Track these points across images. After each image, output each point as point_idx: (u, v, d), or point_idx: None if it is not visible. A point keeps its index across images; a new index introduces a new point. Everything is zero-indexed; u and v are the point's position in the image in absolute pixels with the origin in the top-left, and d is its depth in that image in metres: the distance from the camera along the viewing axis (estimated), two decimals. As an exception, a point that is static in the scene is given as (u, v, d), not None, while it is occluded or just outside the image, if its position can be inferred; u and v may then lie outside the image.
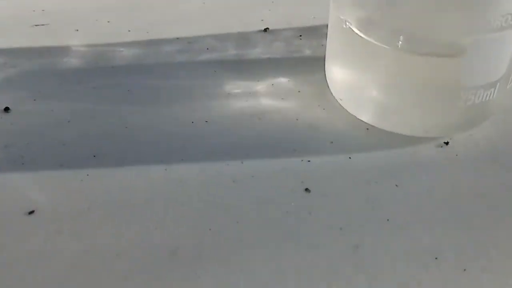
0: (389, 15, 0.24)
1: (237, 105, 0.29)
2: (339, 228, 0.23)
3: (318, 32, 0.36)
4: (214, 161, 0.26)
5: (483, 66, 0.23)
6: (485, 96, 0.24)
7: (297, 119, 0.28)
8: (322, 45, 0.34)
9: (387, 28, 0.24)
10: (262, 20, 0.37)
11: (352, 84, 0.27)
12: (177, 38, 0.36)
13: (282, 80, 0.31)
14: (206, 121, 0.28)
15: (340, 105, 0.28)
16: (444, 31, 0.23)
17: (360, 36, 0.24)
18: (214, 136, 0.27)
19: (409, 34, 0.23)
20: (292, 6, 0.39)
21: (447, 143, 0.26)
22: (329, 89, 0.29)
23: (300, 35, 0.36)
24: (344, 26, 0.25)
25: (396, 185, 0.24)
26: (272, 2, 0.40)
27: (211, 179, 0.25)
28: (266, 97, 0.30)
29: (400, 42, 0.23)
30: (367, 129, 0.27)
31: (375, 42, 0.24)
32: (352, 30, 0.25)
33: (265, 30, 0.36)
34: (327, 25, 0.36)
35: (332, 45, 0.28)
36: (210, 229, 0.23)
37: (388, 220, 0.23)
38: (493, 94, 0.25)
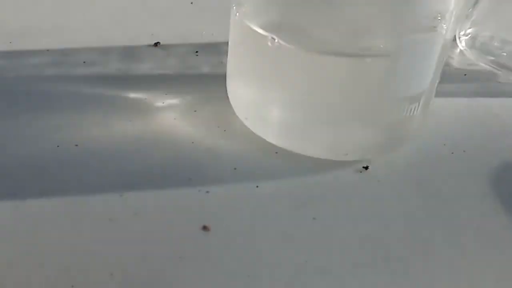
0: (298, 11, 0.20)
1: (117, 126, 0.24)
2: (247, 275, 0.18)
3: (217, 49, 0.32)
4: (85, 195, 0.20)
5: (408, 73, 0.20)
6: (409, 111, 0.21)
7: (192, 142, 0.23)
8: (222, 62, 0.30)
9: (295, 26, 0.20)
10: (152, 34, 0.32)
11: (257, 99, 0.23)
12: (47, 50, 0.29)
13: (175, 98, 0.26)
14: (76, 145, 0.22)
15: (244, 126, 0.24)
16: (363, 30, 0.19)
17: (265, 38, 0.20)
18: (85, 164, 0.21)
19: (321, 33, 0.19)
20: (187, 22, 0.35)
21: (366, 168, 0.23)
22: (231, 108, 0.25)
23: (197, 51, 0.31)
24: (247, 30, 0.21)
25: (314, 218, 0.20)
26: (164, 16, 0.35)
27: (80, 216, 0.19)
28: (154, 116, 0.25)
29: (310, 43, 0.20)
30: (276, 152, 0.23)
31: (284, 44, 0.20)
32: (256, 32, 0.21)
33: (156, 44, 0.31)
34: (227, 42, 0.32)
35: (234, 55, 0.24)
36: (72, 286, 0.16)
37: (306, 262, 0.18)
38: (417, 109, 0.22)
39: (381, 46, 0.19)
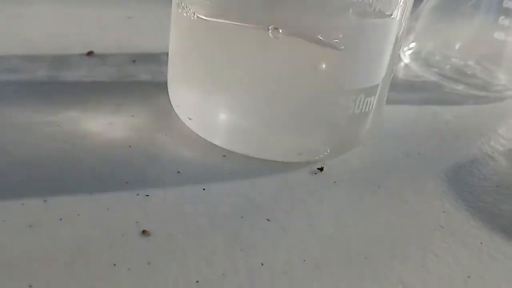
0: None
1: (44, 130, 0.21)
2: (195, 281, 0.15)
3: (156, 58, 0.30)
4: (3, 200, 0.17)
5: (364, 63, 0.19)
6: (365, 105, 0.20)
7: (130, 146, 0.21)
8: (162, 71, 0.28)
9: (242, 11, 0.19)
10: (85, 44, 0.30)
11: (202, 99, 0.21)
12: (-34, 57, 0.26)
13: (110, 105, 0.24)
14: (-6, 149, 0.19)
15: (188, 130, 0.22)
16: (316, 8, 0.18)
17: (206, 21, 0.19)
18: (4, 167, 0.18)
19: (272, 20, 0.18)
20: (123, 32, 0.33)
21: (321, 169, 0.21)
22: (173, 114, 0.23)
23: (134, 60, 0.29)
24: (187, 14, 0.19)
25: (268, 220, 0.18)
26: (99, 26, 0.33)
27: (-7, 225, 0.16)
28: (86, 121, 0.22)
29: (260, 29, 0.18)
30: (224, 156, 0.21)
31: (227, 25, 0.18)
32: (198, 18, 0.19)
33: (89, 53, 0.29)
34: (166, 53, 0.30)
35: (176, 53, 0.22)
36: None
37: (262, 264, 0.16)
38: (373, 103, 0.20)
39: (335, 34, 0.18)
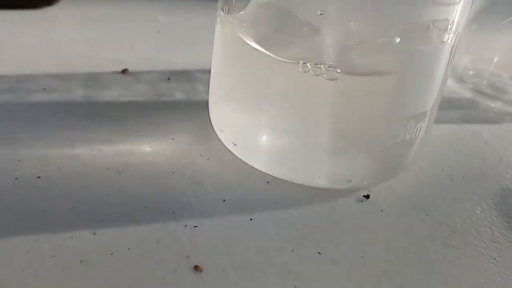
0: (296, 28, 0.18)
1: (85, 156, 0.21)
2: (253, 322, 0.15)
3: (190, 76, 0.29)
4: (52, 233, 0.17)
5: (417, 87, 0.18)
6: (415, 131, 0.19)
7: (173, 173, 0.20)
8: (196, 89, 0.28)
9: (292, 44, 0.18)
10: (118, 62, 0.30)
11: (246, 122, 0.20)
12: (1, 77, 0.26)
13: (149, 126, 0.23)
14: (39, 177, 0.19)
15: (229, 154, 0.21)
16: (374, 39, 0.18)
17: (260, 52, 0.18)
18: (49, 198, 0.18)
19: (322, 50, 0.18)
20: (156, 49, 0.32)
21: (367, 197, 0.21)
22: (212, 136, 0.22)
23: (169, 78, 0.29)
24: (239, 45, 0.19)
25: (319, 253, 0.18)
26: (131, 44, 0.33)
27: (46, 259, 0.16)
28: (127, 145, 0.22)
29: (313, 54, 0.18)
30: (268, 182, 0.21)
31: (277, 58, 0.18)
32: (250, 47, 0.19)
33: (124, 71, 0.29)
34: (200, 70, 0.30)
35: (220, 78, 0.21)
36: None
37: (318, 302, 0.16)
38: (423, 129, 0.20)
39: (387, 61, 0.18)
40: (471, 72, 0.33)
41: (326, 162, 0.20)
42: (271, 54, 0.18)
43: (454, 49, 0.20)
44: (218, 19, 0.21)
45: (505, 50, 0.32)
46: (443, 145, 0.26)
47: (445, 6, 0.18)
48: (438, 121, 0.28)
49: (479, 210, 0.21)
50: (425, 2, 0.17)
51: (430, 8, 0.18)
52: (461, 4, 0.18)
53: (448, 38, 0.19)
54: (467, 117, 0.30)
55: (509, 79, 0.32)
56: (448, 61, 0.20)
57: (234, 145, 0.21)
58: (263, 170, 0.20)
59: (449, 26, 0.19)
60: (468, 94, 0.32)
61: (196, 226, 0.18)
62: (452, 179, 0.23)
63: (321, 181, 0.20)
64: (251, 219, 0.19)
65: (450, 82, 0.33)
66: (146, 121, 0.24)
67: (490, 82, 0.32)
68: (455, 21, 0.19)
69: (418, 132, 0.20)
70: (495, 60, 0.33)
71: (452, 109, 0.31)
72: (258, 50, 0.18)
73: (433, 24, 0.18)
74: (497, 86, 0.32)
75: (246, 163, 0.21)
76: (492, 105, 0.31)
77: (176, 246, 0.17)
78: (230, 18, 0.20)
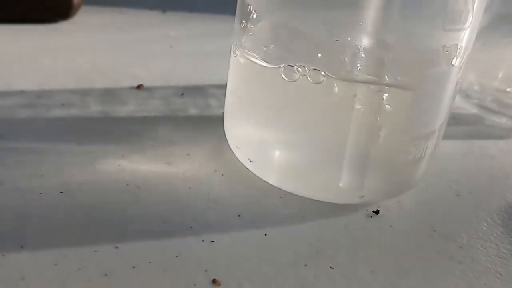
0: (307, 45, 0.19)
1: (104, 171, 0.22)
2: (270, 334, 0.15)
3: (203, 91, 0.30)
4: (74, 247, 0.17)
5: (429, 106, 0.19)
6: (425, 149, 0.20)
7: (189, 188, 0.21)
8: (210, 105, 0.29)
9: (306, 59, 0.19)
10: (133, 77, 0.31)
11: (262, 139, 0.21)
12: (22, 91, 0.27)
13: (165, 142, 0.24)
14: (61, 192, 0.20)
15: (243, 169, 0.22)
16: (386, 60, 0.18)
17: (273, 70, 0.19)
18: (73, 213, 0.19)
19: (336, 66, 0.18)
20: (169, 64, 0.33)
21: (377, 212, 0.21)
22: (227, 151, 0.23)
23: (182, 94, 0.29)
24: (253, 66, 0.20)
25: (331, 267, 0.18)
26: (145, 58, 0.34)
27: (72, 272, 0.16)
28: (144, 161, 0.23)
29: (322, 76, 0.18)
30: (281, 197, 0.21)
31: (290, 80, 0.19)
32: (263, 66, 0.19)
33: (139, 87, 0.29)
34: (212, 85, 0.31)
35: (235, 95, 0.22)
36: None
37: (332, 316, 0.16)
38: (432, 147, 0.21)
39: (399, 78, 0.18)
40: (476, 88, 0.34)
41: (339, 178, 0.20)
42: (283, 75, 0.19)
43: (461, 70, 0.20)
44: (233, 42, 0.22)
45: (509, 66, 0.33)
46: (450, 161, 0.27)
47: (454, 32, 0.19)
48: (444, 137, 0.29)
49: (485, 226, 0.22)
50: (435, 27, 0.18)
51: (440, 34, 0.18)
52: (468, 29, 0.19)
53: (456, 62, 0.20)
54: (473, 132, 0.30)
55: (513, 94, 0.33)
56: (456, 83, 0.20)
57: (250, 161, 0.21)
58: (278, 186, 0.21)
59: (458, 51, 0.19)
60: (473, 110, 0.33)
61: (213, 241, 0.19)
62: (458, 195, 0.24)
63: (334, 197, 0.21)
64: (265, 234, 0.19)
65: (455, 98, 0.34)
66: (161, 136, 0.25)
67: (495, 97, 0.33)
68: (463, 45, 0.19)
69: (427, 149, 0.21)
70: (499, 76, 0.33)
71: (458, 124, 0.31)
72: (270, 69, 0.19)
73: (443, 48, 0.19)
74: (502, 101, 0.33)
75: (260, 179, 0.22)
76: (498, 120, 0.32)
77: (194, 260, 0.18)
78: (243, 39, 0.21)
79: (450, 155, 0.27)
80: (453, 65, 0.19)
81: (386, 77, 0.19)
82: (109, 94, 0.28)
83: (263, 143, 0.21)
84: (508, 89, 0.33)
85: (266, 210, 0.21)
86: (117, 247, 0.18)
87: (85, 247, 0.18)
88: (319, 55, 0.19)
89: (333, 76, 0.18)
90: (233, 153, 0.23)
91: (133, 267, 0.17)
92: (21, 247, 0.17)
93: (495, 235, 0.21)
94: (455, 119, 0.32)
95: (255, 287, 0.17)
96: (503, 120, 0.32)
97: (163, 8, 0.44)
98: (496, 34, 0.33)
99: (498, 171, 0.26)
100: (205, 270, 0.17)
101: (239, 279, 0.17)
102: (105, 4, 0.42)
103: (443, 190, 0.24)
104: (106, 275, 0.17)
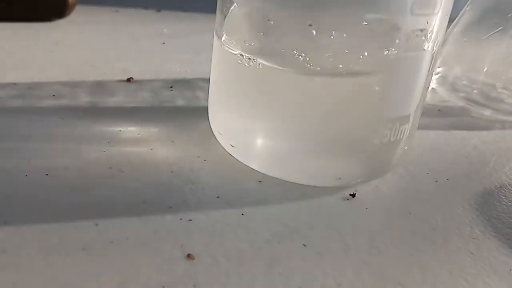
0: (282, 33, 0.20)
1: (90, 155, 0.22)
2: (239, 304, 0.16)
3: (191, 84, 0.31)
4: (58, 223, 0.18)
5: (399, 92, 0.20)
6: (400, 133, 0.21)
7: (171, 172, 0.22)
8: (197, 97, 0.29)
9: (280, 49, 0.20)
10: (123, 71, 0.31)
11: (242, 125, 0.22)
12: (14, 84, 0.28)
13: (151, 130, 0.25)
14: (47, 174, 0.21)
15: (225, 155, 0.23)
16: (358, 45, 0.19)
17: (251, 60, 0.20)
18: (57, 193, 0.20)
19: (309, 55, 0.19)
20: (160, 59, 0.34)
21: (353, 195, 0.22)
22: (210, 139, 0.24)
23: (171, 87, 0.30)
24: (231, 56, 0.21)
25: (304, 245, 0.19)
26: (137, 54, 0.34)
27: (52, 247, 0.17)
28: (129, 147, 0.23)
29: (297, 65, 0.19)
30: (260, 181, 0.22)
31: (270, 66, 0.19)
32: (242, 57, 0.20)
33: (129, 80, 0.30)
34: (201, 79, 0.32)
35: (218, 84, 0.23)
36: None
37: (300, 287, 0.17)
38: (407, 131, 0.21)
39: (371, 63, 0.19)
40: (464, 82, 0.34)
41: (317, 162, 0.21)
42: (262, 61, 0.20)
43: (434, 56, 0.21)
44: (214, 31, 0.22)
45: (494, 60, 0.33)
46: (431, 150, 0.27)
47: (423, 17, 0.19)
48: (428, 127, 0.30)
49: (460, 210, 0.22)
50: (403, 12, 0.19)
51: (409, 18, 0.19)
52: (439, 14, 0.20)
53: (428, 46, 0.20)
54: (458, 124, 0.31)
55: (500, 87, 0.34)
56: (429, 67, 0.21)
57: (232, 146, 0.22)
58: (259, 170, 0.22)
59: (429, 35, 0.20)
60: (459, 103, 0.33)
61: (190, 220, 0.19)
62: (436, 181, 0.24)
63: (312, 179, 0.21)
64: (242, 214, 0.20)
65: (442, 91, 0.34)
66: (148, 125, 0.25)
67: (482, 91, 0.33)
68: (434, 30, 0.20)
69: (402, 133, 0.21)
70: (485, 69, 0.34)
71: (443, 116, 0.32)
72: (248, 58, 0.20)
73: (413, 33, 0.19)
74: (488, 95, 0.33)
75: (241, 164, 0.22)
76: (483, 112, 0.32)
77: (171, 237, 0.18)
78: (223, 30, 0.21)
79: (431, 145, 0.28)
80: (424, 50, 0.20)
81: (359, 61, 0.19)
82: (99, 86, 0.29)
83: (244, 130, 0.22)
84: (494, 82, 0.34)
85: (244, 192, 0.21)
86: (97, 224, 0.18)
87: (66, 224, 0.18)
88: (294, 45, 0.19)
89: (308, 65, 0.19)
90: (215, 141, 0.24)
91: (111, 242, 0.18)
92: (4, 222, 0.18)
93: (470, 218, 0.22)
94: (441, 112, 0.32)
95: (229, 262, 0.18)
96: (488, 113, 0.33)
97: (158, 7, 0.45)
98: (482, 28, 0.34)
99: (478, 159, 0.27)
100: (181, 246, 0.18)
101: (214, 255, 0.18)
102: (100, 3, 0.43)
103: (422, 176, 0.25)
104: (84, 249, 0.17)
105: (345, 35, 0.19)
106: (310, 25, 0.19)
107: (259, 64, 0.20)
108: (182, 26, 0.41)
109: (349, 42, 0.19)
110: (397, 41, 0.19)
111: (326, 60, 0.19)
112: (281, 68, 0.19)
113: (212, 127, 0.24)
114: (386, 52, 0.19)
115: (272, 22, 0.20)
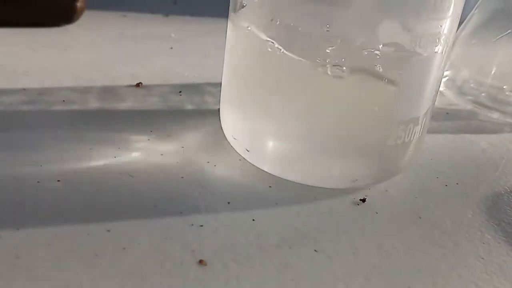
0: (311, 22, 0.20)
1: (101, 161, 0.22)
2: (250, 309, 0.16)
3: (200, 89, 0.31)
4: (70, 229, 0.18)
5: (415, 93, 0.20)
6: (413, 133, 0.21)
7: (182, 177, 0.22)
8: (206, 101, 0.29)
9: (300, 38, 0.20)
10: (132, 76, 0.32)
11: (259, 129, 0.22)
12: (24, 89, 0.28)
13: (161, 135, 0.25)
14: (58, 181, 0.21)
15: (235, 161, 0.23)
16: (373, 48, 0.19)
17: (273, 45, 0.20)
18: (68, 199, 0.20)
19: (334, 51, 0.19)
20: (168, 64, 0.34)
21: (364, 200, 0.22)
22: (220, 144, 0.24)
23: (180, 91, 0.30)
24: (249, 37, 0.21)
25: (315, 250, 0.19)
26: (145, 58, 0.35)
27: (64, 253, 0.17)
28: (140, 152, 0.24)
29: (314, 66, 0.19)
30: (270, 186, 0.22)
31: (287, 54, 0.19)
32: (258, 38, 0.20)
33: (138, 85, 0.30)
34: (209, 83, 0.32)
35: (230, 82, 0.23)
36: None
37: (312, 294, 0.17)
38: (419, 132, 0.22)
39: (385, 67, 0.19)
40: (472, 85, 0.34)
41: (333, 164, 0.21)
42: (282, 49, 0.20)
43: (444, 58, 0.21)
44: (229, 18, 0.22)
45: (503, 63, 0.33)
46: (440, 153, 0.27)
47: (436, 20, 0.20)
48: (436, 131, 0.30)
49: (470, 214, 0.22)
50: (419, 17, 0.19)
51: (424, 22, 0.19)
52: (450, 18, 0.20)
53: (439, 49, 0.20)
54: (466, 127, 0.31)
55: (508, 90, 0.34)
56: (441, 69, 0.21)
57: (247, 151, 0.22)
58: (274, 174, 0.22)
59: (441, 38, 0.20)
60: (467, 106, 0.33)
61: (202, 225, 0.19)
62: (446, 185, 0.24)
63: (329, 182, 0.22)
64: (253, 220, 0.20)
65: (450, 94, 0.34)
66: (157, 130, 0.25)
67: (489, 94, 0.33)
68: (445, 33, 0.20)
69: (415, 134, 0.22)
70: (493, 72, 0.34)
71: (452, 120, 0.32)
72: (268, 43, 0.20)
73: (426, 36, 0.20)
74: (496, 97, 0.33)
75: (251, 169, 0.23)
76: (491, 115, 0.32)
77: (182, 242, 0.18)
78: (242, 16, 0.21)
79: (440, 148, 0.28)
80: (436, 52, 0.20)
81: (376, 66, 0.19)
82: (108, 91, 0.29)
83: (258, 133, 0.22)
84: (502, 85, 0.34)
85: (255, 197, 0.21)
86: (108, 231, 0.19)
87: (78, 230, 0.18)
88: (312, 41, 0.20)
89: (322, 68, 0.19)
90: (225, 145, 0.24)
91: (123, 248, 0.18)
92: (17, 229, 0.18)
93: (480, 222, 0.22)
94: (450, 115, 0.32)
95: (240, 267, 0.18)
96: (495, 116, 0.33)
97: (165, 12, 0.45)
98: (490, 31, 0.34)
99: (487, 163, 0.27)
100: (192, 251, 0.18)
101: (225, 260, 0.18)
102: (108, 8, 0.43)
103: (431, 180, 0.25)
104: (97, 255, 0.17)
105: (361, 37, 0.19)
106: (328, 26, 0.19)
107: (281, 50, 0.20)
108: (190, 30, 0.42)
109: (366, 44, 0.19)
110: (411, 44, 0.19)
111: (342, 59, 0.19)
112: (298, 58, 0.19)
113: (225, 132, 0.24)
114: (401, 55, 0.19)
115: (293, 24, 0.20)
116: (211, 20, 0.44)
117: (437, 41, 0.20)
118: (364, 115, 0.21)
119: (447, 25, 0.20)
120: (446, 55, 0.21)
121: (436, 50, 0.20)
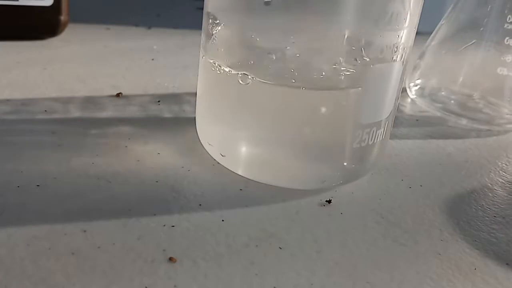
0: (263, 48, 0.21)
1: (79, 167, 0.23)
2: (216, 302, 0.17)
3: (179, 98, 0.32)
4: (48, 230, 0.19)
5: (377, 98, 0.22)
6: (376, 136, 0.23)
7: (156, 181, 0.23)
8: (183, 110, 0.31)
9: (260, 63, 0.21)
10: (113, 86, 0.33)
11: (232, 136, 0.23)
12: (8, 100, 0.29)
13: (138, 142, 0.26)
14: (38, 185, 0.22)
15: (208, 166, 0.24)
16: (330, 62, 0.21)
17: (237, 75, 0.21)
18: (47, 202, 0.21)
19: (289, 67, 0.21)
20: (149, 75, 0.35)
21: (329, 201, 0.23)
22: (195, 150, 0.25)
23: (159, 101, 0.32)
24: (217, 70, 0.22)
25: (280, 248, 0.20)
26: (127, 70, 0.36)
27: (42, 251, 0.18)
28: (117, 158, 0.25)
29: (278, 78, 0.21)
30: (241, 189, 0.23)
31: (253, 79, 0.21)
32: (226, 71, 0.22)
33: (118, 95, 0.32)
34: (188, 93, 0.33)
35: (203, 95, 0.25)
36: (32, 319, 0.16)
37: (274, 287, 0.18)
38: (382, 135, 0.23)
39: (348, 74, 0.21)
40: (442, 93, 0.36)
41: (302, 166, 0.23)
42: (244, 73, 0.21)
43: (404, 65, 0.23)
44: (201, 47, 0.24)
45: (470, 71, 0.35)
46: (407, 158, 0.29)
47: (395, 31, 0.21)
48: (405, 137, 0.31)
49: (431, 214, 0.24)
50: (379, 28, 0.21)
51: (384, 33, 0.21)
52: (406, 29, 0.22)
53: (398, 57, 0.22)
54: (435, 133, 0.32)
55: (477, 97, 0.35)
56: (400, 75, 0.23)
57: (222, 156, 0.23)
58: (248, 177, 0.23)
59: (400, 47, 0.22)
60: (437, 113, 0.35)
61: (173, 226, 0.21)
62: (410, 187, 0.26)
63: (299, 183, 0.23)
64: (223, 220, 0.21)
65: (421, 102, 0.36)
66: (135, 137, 0.27)
67: (459, 101, 0.35)
68: (403, 42, 0.22)
69: (378, 137, 0.23)
70: (461, 80, 0.35)
71: (421, 126, 0.33)
72: (234, 74, 0.21)
73: (386, 46, 0.21)
74: (465, 104, 0.35)
75: (223, 173, 0.24)
76: (459, 122, 0.34)
77: (154, 241, 0.20)
78: (208, 46, 0.23)
79: (408, 153, 0.29)
80: (395, 60, 0.22)
81: (340, 74, 0.21)
82: (89, 101, 0.30)
83: (232, 139, 0.23)
84: (470, 92, 0.35)
85: (225, 200, 0.23)
86: (84, 231, 0.20)
87: (55, 231, 0.19)
88: (276, 60, 0.21)
89: (287, 76, 0.21)
90: (201, 151, 0.25)
91: (98, 247, 0.19)
92: (-2, 231, 0.19)
93: (440, 222, 0.23)
94: (419, 122, 0.34)
95: (208, 264, 0.19)
96: (464, 122, 0.34)
97: (149, 25, 0.46)
98: (457, 41, 0.35)
99: (451, 166, 0.28)
100: (163, 250, 0.19)
101: (194, 258, 0.19)
102: (92, 21, 0.45)
103: (396, 183, 0.26)
104: (73, 253, 0.18)
105: (324, 51, 0.21)
106: (293, 42, 0.21)
107: (246, 78, 0.21)
108: (172, 42, 0.43)
109: (328, 56, 0.21)
110: (372, 53, 0.21)
111: (304, 73, 0.21)
112: (264, 81, 0.21)
113: (200, 139, 0.25)
114: (362, 63, 0.21)
115: (257, 39, 0.21)
116: (193, 32, 0.45)
117: (396, 50, 0.22)
118: (329, 120, 0.22)
119: (404, 35, 0.22)
120: (405, 63, 0.23)
121: (395, 58, 0.22)
